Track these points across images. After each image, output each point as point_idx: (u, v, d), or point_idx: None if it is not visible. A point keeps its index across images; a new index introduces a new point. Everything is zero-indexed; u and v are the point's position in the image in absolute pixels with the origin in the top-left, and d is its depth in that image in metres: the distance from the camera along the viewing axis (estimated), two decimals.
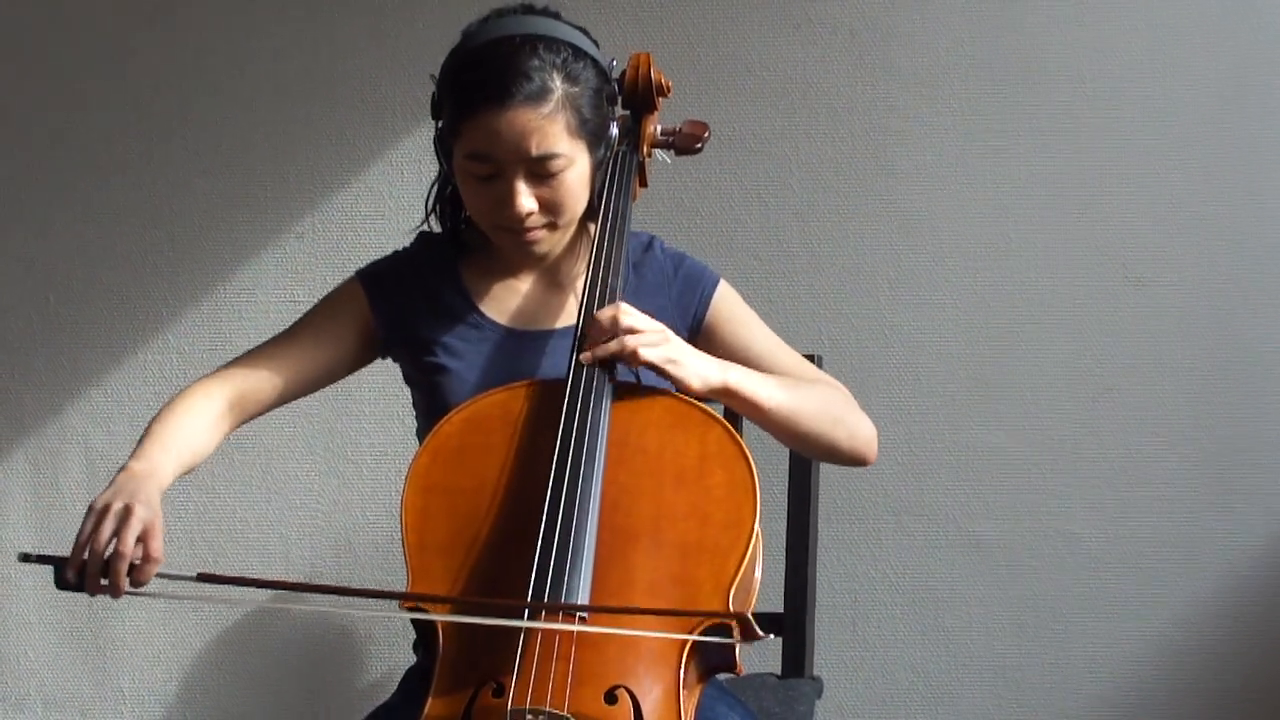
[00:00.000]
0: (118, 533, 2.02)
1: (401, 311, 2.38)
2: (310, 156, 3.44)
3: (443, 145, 2.32)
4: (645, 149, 2.45)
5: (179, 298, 3.46)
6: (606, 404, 2.19)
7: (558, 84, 2.24)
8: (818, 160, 3.37)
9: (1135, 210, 3.33)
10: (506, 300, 2.39)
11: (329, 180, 3.43)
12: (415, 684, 2.28)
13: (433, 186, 2.44)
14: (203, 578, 2.04)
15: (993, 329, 3.36)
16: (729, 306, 2.42)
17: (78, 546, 2.02)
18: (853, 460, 2.37)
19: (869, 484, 3.36)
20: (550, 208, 2.28)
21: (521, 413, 2.22)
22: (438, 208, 2.44)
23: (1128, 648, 3.35)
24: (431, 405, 2.34)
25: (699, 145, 2.50)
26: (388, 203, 3.41)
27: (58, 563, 2.03)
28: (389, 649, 3.42)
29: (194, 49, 3.44)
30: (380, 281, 2.40)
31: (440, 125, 2.32)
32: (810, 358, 2.50)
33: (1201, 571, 3.34)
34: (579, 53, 2.29)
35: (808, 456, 2.58)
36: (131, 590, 2.03)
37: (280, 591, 3.21)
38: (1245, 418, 3.33)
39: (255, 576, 2.11)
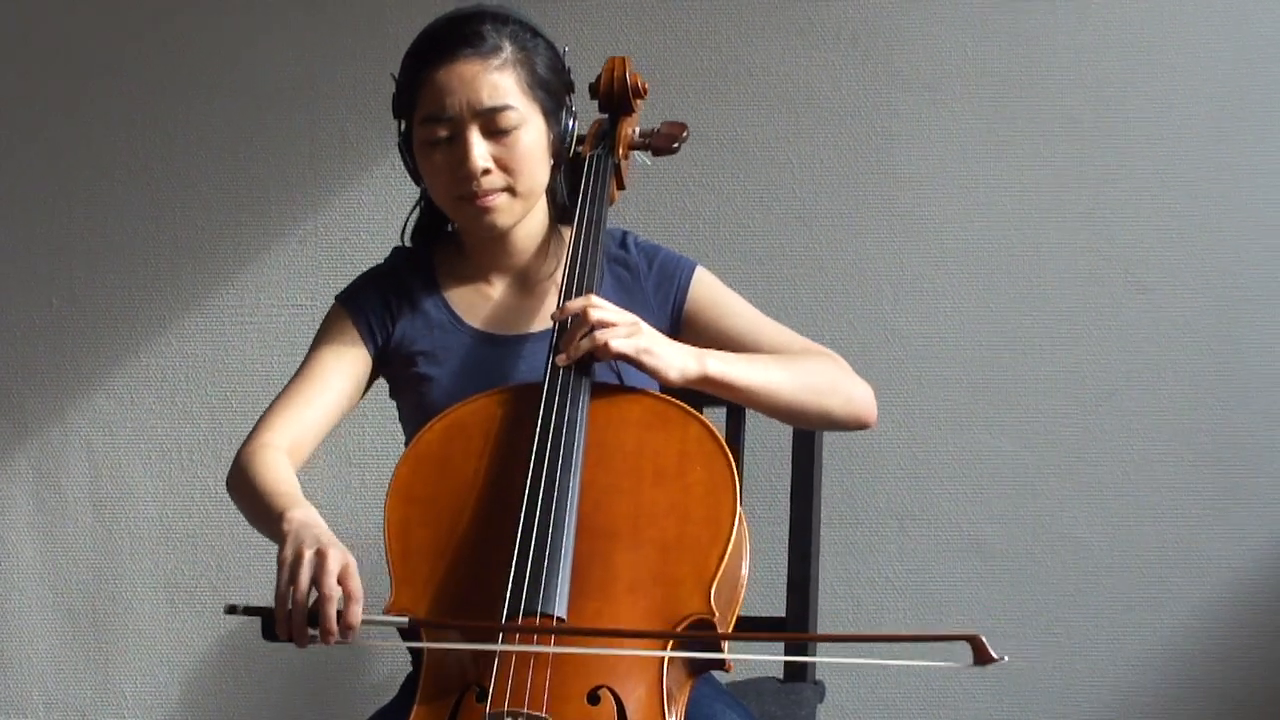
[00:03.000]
0: (316, 578, 1.99)
1: (385, 326, 2.40)
2: (313, 160, 3.44)
3: (406, 138, 2.34)
4: (622, 151, 2.45)
5: (182, 301, 3.46)
6: (584, 405, 2.19)
7: (507, 45, 2.29)
8: (820, 164, 3.37)
9: (1138, 215, 3.33)
10: (482, 306, 2.40)
11: (331, 184, 3.44)
12: (413, 688, 2.29)
13: (412, 210, 2.46)
14: (416, 622, 2.03)
15: (995, 333, 3.35)
16: (708, 292, 2.41)
17: (280, 599, 2.00)
18: (852, 425, 2.37)
19: (871, 488, 3.36)
20: (506, 167, 2.29)
21: (500, 418, 2.23)
22: (415, 232, 2.46)
23: (1130, 652, 3.35)
24: (417, 414, 2.35)
25: (676, 145, 2.50)
26: (390, 207, 3.41)
27: (266, 615, 2.01)
28: (390, 653, 3.41)
29: (196, 52, 3.44)
30: (361, 301, 2.41)
31: (400, 123, 2.35)
32: None
33: (1204, 576, 3.34)
34: (527, 27, 2.33)
35: (807, 428, 2.57)
36: (342, 640, 2.00)
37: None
38: (1247, 422, 3.33)
39: (468, 621, 2.07)
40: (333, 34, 3.42)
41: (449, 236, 2.46)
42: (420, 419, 2.30)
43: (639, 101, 2.48)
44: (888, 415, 3.27)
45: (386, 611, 2.09)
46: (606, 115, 2.48)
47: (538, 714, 1.98)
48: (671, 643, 2.04)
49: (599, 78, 2.46)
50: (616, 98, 2.46)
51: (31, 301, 3.48)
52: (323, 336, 2.41)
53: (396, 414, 2.45)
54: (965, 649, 1.94)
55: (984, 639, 1.94)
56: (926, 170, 3.35)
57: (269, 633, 2.00)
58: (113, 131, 3.46)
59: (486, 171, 2.28)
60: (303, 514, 2.10)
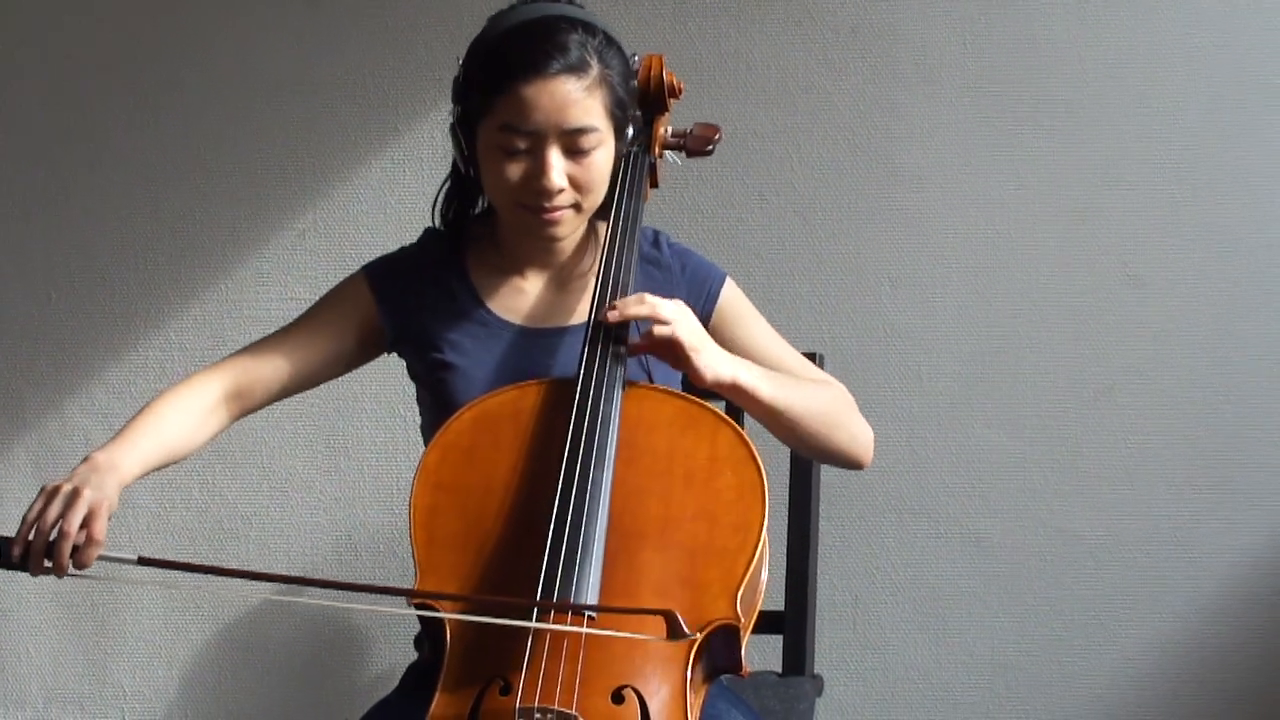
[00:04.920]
0: (64, 514, 2.04)
1: (408, 307, 2.38)
2: (311, 153, 3.44)
3: (466, 125, 2.31)
4: (657, 150, 2.45)
5: (180, 294, 3.46)
6: (617, 404, 2.19)
7: (594, 63, 2.25)
8: (819, 159, 3.37)
9: (1135, 209, 3.33)
10: (514, 299, 2.39)
11: (330, 177, 3.43)
12: (416, 680, 2.29)
13: (443, 185, 2.44)
14: (143, 561, 2.06)
15: (993, 327, 3.36)
16: (735, 306, 2.42)
17: (24, 525, 2.05)
18: (850, 463, 2.38)
19: (870, 482, 3.36)
20: (579, 186, 2.28)
21: (532, 411, 2.22)
22: (445, 206, 2.43)
23: (1127, 646, 3.36)
24: (437, 402, 2.34)
25: (710, 148, 2.50)
26: (388, 200, 3.41)
27: (3, 542, 2.05)
28: (390, 645, 3.42)
29: (195, 45, 3.44)
30: (387, 277, 2.39)
31: (460, 108, 2.31)
32: (811, 357, 2.50)
33: (1201, 570, 3.34)
34: (610, 40, 2.30)
35: (805, 456, 2.58)
36: (74, 572, 2.05)
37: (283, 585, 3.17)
38: (1244, 416, 3.33)
39: (202, 564, 2.12)
40: (332, 27, 3.42)
41: (480, 222, 2.44)
42: (442, 406, 2.30)
43: (673, 101, 2.47)
44: (886, 409, 3.29)
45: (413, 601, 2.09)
46: (640, 113, 2.45)
47: (565, 710, 1.98)
48: (699, 639, 2.04)
49: (634, 75, 2.45)
50: (652, 96, 2.45)
51: (30, 295, 3.48)
52: (334, 299, 2.39)
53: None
54: (660, 623, 2.00)
55: (678, 615, 1.98)
56: (925, 164, 3.36)
57: (4, 558, 2.06)
58: (111, 125, 3.46)
59: (561, 189, 2.27)
60: (104, 457, 2.14)
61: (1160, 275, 3.34)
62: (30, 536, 2.04)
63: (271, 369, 2.34)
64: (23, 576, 3.43)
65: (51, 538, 2.04)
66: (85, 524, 2.05)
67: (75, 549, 2.04)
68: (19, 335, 3.48)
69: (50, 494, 2.07)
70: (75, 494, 2.06)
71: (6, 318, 3.48)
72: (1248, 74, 3.31)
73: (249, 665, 3.48)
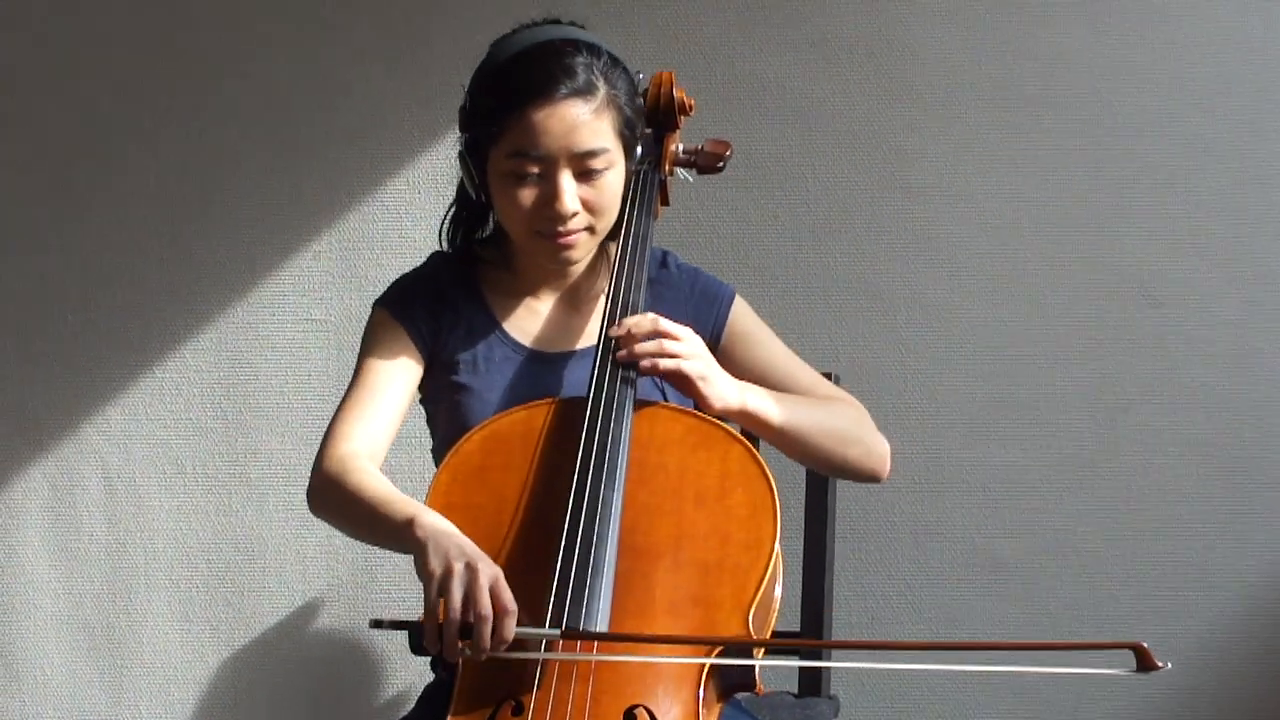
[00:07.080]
0: (469, 594, 1.98)
1: (430, 328, 2.38)
2: (326, 175, 3.44)
3: (475, 152, 2.31)
4: (667, 167, 2.45)
5: (196, 317, 3.46)
6: (628, 423, 2.19)
7: (601, 84, 2.26)
8: (834, 179, 3.37)
9: (1152, 230, 3.33)
10: (528, 320, 2.40)
11: (345, 199, 3.44)
12: (434, 700, 2.29)
13: (449, 209, 2.44)
14: (567, 634, 2.01)
15: (1009, 348, 3.35)
16: (745, 323, 2.42)
17: (431, 613, 1.99)
18: (866, 478, 2.38)
19: (886, 502, 3.35)
20: (592, 209, 2.28)
21: (542, 431, 2.23)
22: (452, 230, 2.44)
23: None
24: (451, 423, 2.34)
25: (721, 164, 2.50)
26: (404, 222, 3.42)
27: (413, 629, 2.00)
28: (406, 666, 3.41)
29: (210, 68, 3.45)
30: (404, 303, 2.39)
31: (469, 136, 2.32)
32: (826, 375, 2.50)
33: (1218, 590, 3.34)
34: (615, 60, 2.31)
35: (821, 473, 2.58)
36: (492, 651, 1.99)
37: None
38: (1260, 436, 3.33)
39: (619, 630, 2.05)
40: (349, 51, 3.42)
41: (490, 244, 2.44)
42: (455, 427, 2.30)
43: (684, 118, 2.48)
44: (902, 429, 3.28)
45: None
46: (650, 130, 2.46)
47: None
48: (714, 654, 2.04)
49: (645, 93, 2.44)
50: (663, 114, 2.45)
51: (46, 316, 3.48)
52: (374, 344, 2.37)
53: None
54: (1129, 656, 1.95)
55: (1147, 646, 1.94)
56: (940, 185, 3.36)
57: (418, 646, 2.00)
58: (128, 147, 3.46)
59: (575, 213, 2.27)
60: (433, 520, 2.08)
61: (1177, 295, 3.33)
62: (440, 623, 1.98)
63: (380, 433, 2.31)
64: (37, 597, 3.48)
65: (463, 618, 1.97)
66: (493, 597, 1.99)
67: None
68: (35, 356, 3.48)
69: (444, 577, 1.99)
70: (472, 570, 1.99)
71: (23, 340, 3.48)
72: (1268, 92, 3.31)
73: (266, 687, 3.48)
